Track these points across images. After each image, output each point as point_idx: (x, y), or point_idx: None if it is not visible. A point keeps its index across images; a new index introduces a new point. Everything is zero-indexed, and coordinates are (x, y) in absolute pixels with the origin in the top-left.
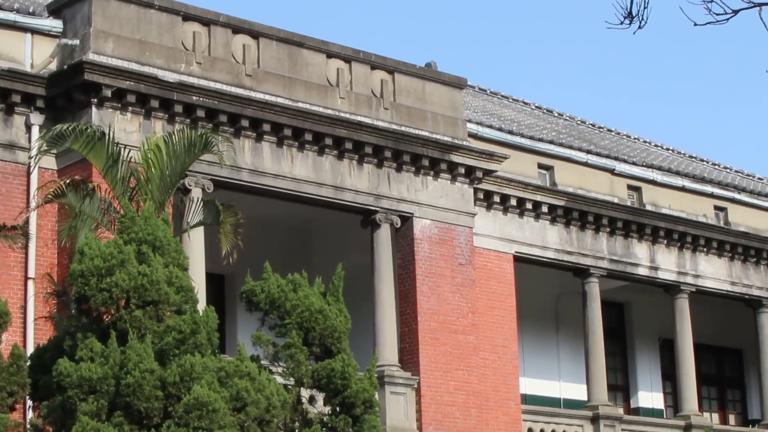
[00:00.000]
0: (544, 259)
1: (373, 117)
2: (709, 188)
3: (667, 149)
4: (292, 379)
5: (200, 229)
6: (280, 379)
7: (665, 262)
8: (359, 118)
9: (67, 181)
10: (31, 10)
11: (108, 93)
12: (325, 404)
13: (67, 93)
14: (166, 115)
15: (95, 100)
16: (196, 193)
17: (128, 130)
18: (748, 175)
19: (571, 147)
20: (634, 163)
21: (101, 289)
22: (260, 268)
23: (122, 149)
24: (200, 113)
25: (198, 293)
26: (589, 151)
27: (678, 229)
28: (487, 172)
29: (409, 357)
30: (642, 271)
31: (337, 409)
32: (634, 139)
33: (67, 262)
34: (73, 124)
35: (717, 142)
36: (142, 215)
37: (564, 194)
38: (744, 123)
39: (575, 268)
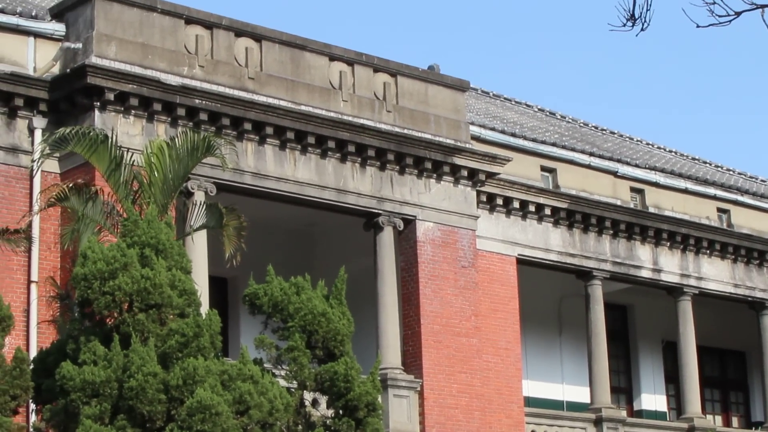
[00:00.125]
0: (547, 262)
1: (375, 120)
2: (712, 190)
3: (670, 151)
4: (295, 382)
5: (203, 232)
6: (283, 382)
7: (668, 265)
8: (362, 121)
9: (70, 185)
10: (33, 14)
11: (111, 96)
12: (328, 407)
13: (70, 96)
14: (169, 119)
15: (98, 103)
16: (199, 197)
17: (131, 134)
18: (751, 177)
19: (573, 149)
20: (637, 166)
21: (104, 293)
22: (263, 271)
23: (125, 152)
24: (203, 116)
25: (201, 296)
26: (591, 154)
27: (681, 231)
28: (490, 175)
29: (412, 360)
30: (645, 274)
31: (340, 412)
32: (637, 141)
33: (70, 266)
34: (76, 128)
35: (720, 144)
36: (145, 218)
37: (567, 196)
38: (747, 125)
39: (578, 271)
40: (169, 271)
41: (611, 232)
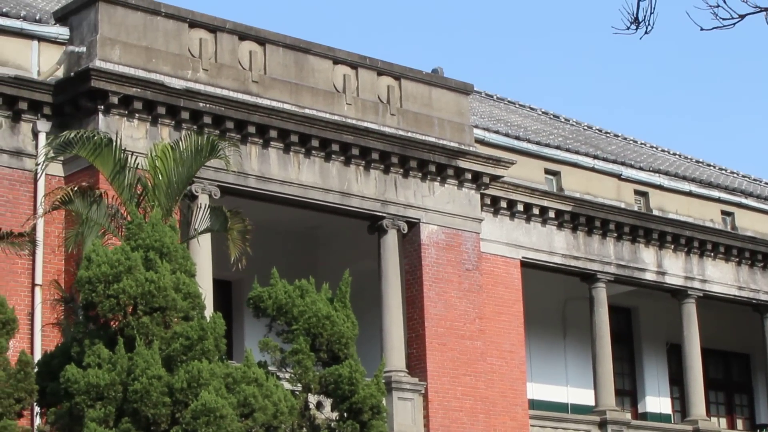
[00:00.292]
0: (551, 265)
1: (379, 123)
2: (716, 193)
3: (674, 154)
4: (299, 385)
5: (207, 236)
6: (287, 385)
7: (672, 267)
8: (366, 124)
9: (74, 188)
10: (37, 18)
11: (115, 100)
12: (332, 410)
13: (74, 100)
14: (173, 122)
15: (102, 107)
16: (203, 200)
17: (135, 137)
18: (755, 179)
19: (577, 152)
20: (641, 168)
21: (108, 296)
22: (267, 274)
23: (129, 156)
24: (207, 120)
25: (205, 299)
26: (595, 157)
27: (685, 233)
28: (494, 178)
29: (416, 363)
30: (649, 276)
31: (345, 415)
32: (641, 144)
33: (74, 269)
34: (80, 131)
35: (724, 146)
36: (150, 222)
37: (571, 199)
38: (751, 127)
39: (582, 274)
40: (173, 274)
41: (615, 234)
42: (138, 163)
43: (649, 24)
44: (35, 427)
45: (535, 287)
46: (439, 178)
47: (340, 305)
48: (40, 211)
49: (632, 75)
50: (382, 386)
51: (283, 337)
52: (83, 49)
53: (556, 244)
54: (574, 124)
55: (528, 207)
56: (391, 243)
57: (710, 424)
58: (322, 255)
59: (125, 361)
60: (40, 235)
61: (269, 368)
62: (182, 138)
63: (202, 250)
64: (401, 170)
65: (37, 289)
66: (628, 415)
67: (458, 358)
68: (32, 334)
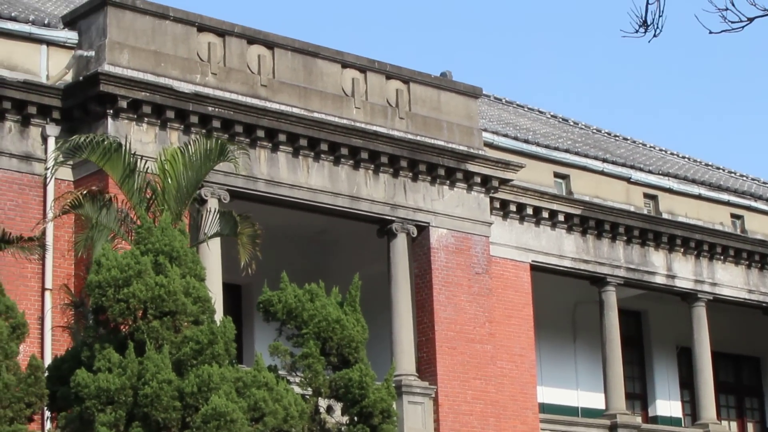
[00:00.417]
0: (561, 268)
1: (388, 127)
2: (725, 196)
3: (683, 157)
4: (309, 389)
5: (217, 240)
6: (297, 389)
7: (682, 271)
8: (375, 128)
9: (84, 192)
10: (46, 22)
11: (123, 104)
12: (342, 414)
13: (83, 104)
14: (182, 126)
15: (111, 111)
16: (213, 204)
17: (144, 141)
18: (764, 182)
19: (587, 156)
20: (650, 172)
21: (118, 300)
22: (277, 278)
23: (138, 160)
24: (216, 124)
25: (215, 303)
26: (605, 160)
27: (695, 237)
28: (503, 181)
29: (426, 366)
30: (659, 280)
31: (355, 418)
32: (650, 147)
33: (84, 273)
34: (90, 136)
35: (733, 149)
36: (159, 226)
37: (580, 203)
38: (760, 130)
39: (592, 277)
40: (183, 279)
41: (625, 238)
42: (147, 168)
43: (657, 27)
44: (46, 431)
45: (545, 291)
46: (448, 181)
47: (350, 309)
48: (49, 215)
49: (641, 78)
50: (392, 390)
51: (293, 341)
52: (92, 53)
53: (566, 248)
54: (583, 127)
55: (537, 210)
56: (400, 247)
57: (721, 428)
58: (331, 259)
59: (135, 366)
60: (49, 239)
61: (279, 372)
62: (191, 142)
63: (211, 254)
64: (410, 174)
65: (47, 294)
66: (639, 419)
67: (468, 361)
68: (42, 339)
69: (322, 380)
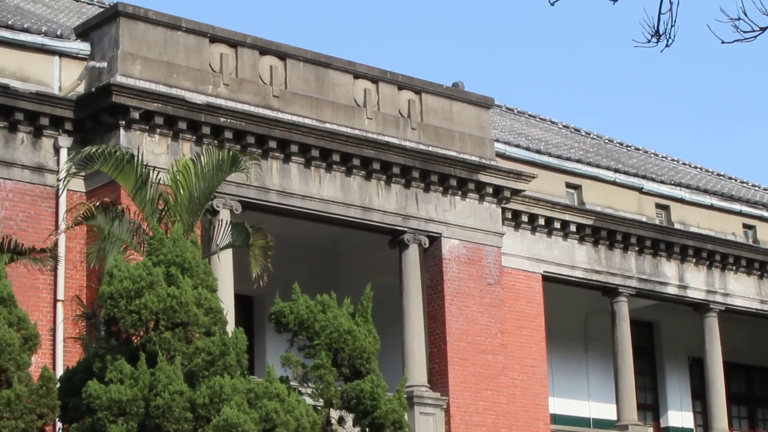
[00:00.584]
0: (573, 279)
1: (400, 137)
2: (737, 206)
3: (695, 167)
4: (321, 400)
5: (228, 251)
6: (309, 400)
7: (694, 281)
8: (387, 139)
9: (96, 204)
10: (58, 33)
11: (136, 115)
12: (354, 425)
13: (95, 115)
14: (194, 137)
15: (123, 122)
16: (224, 215)
17: (156, 152)
18: None
19: (598, 166)
20: (662, 182)
21: (130, 311)
22: (289, 289)
23: (150, 171)
24: (228, 134)
25: (227, 315)
26: (617, 170)
27: (707, 247)
28: (515, 192)
29: (438, 377)
30: (671, 290)
31: (367, 430)
32: (662, 157)
33: (96, 285)
34: (102, 147)
35: (745, 159)
36: (171, 237)
37: (592, 213)
38: None
39: (604, 288)
40: (195, 290)
41: (637, 248)
42: (159, 179)
43: (669, 37)
44: None
45: (557, 301)
46: (460, 192)
47: (362, 320)
48: (62, 226)
49: (653, 88)
50: (403, 401)
51: (304, 352)
52: (104, 64)
53: (578, 258)
54: (595, 137)
55: (549, 221)
56: (412, 257)
57: None
58: (343, 270)
59: (147, 377)
60: (62, 250)
61: (291, 383)
62: (203, 153)
63: (223, 265)
64: (422, 184)
65: (59, 305)
66: (651, 430)
67: (480, 372)
68: (54, 350)
69: (334, 391)
